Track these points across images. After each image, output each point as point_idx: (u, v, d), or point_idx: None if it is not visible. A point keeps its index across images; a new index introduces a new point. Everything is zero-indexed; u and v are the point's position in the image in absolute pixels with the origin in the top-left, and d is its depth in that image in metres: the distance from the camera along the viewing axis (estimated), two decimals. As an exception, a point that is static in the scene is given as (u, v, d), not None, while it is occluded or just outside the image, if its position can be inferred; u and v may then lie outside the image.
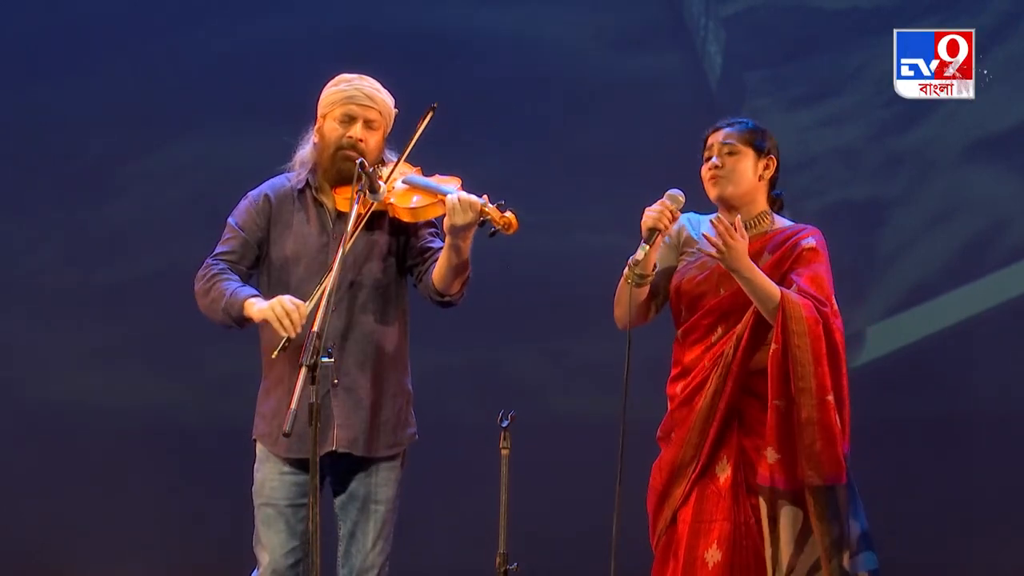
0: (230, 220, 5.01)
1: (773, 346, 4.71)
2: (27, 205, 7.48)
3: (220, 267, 4.93)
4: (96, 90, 7.46)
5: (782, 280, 4.79)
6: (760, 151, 4.90)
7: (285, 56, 7.31)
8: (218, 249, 4.98)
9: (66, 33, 7.51)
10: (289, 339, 4.72)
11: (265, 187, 5.04)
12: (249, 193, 5.04)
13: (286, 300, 4.75)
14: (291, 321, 4.71)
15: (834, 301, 4.82)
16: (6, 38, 7.51)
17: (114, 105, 7.47)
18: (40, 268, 7.46)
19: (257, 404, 4.99)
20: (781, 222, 4.94)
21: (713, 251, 4.70)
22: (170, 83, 7.50)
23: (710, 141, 4.93)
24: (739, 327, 4.77)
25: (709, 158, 4.90)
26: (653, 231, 4.79)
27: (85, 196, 7.46)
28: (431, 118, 4.87)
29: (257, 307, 4.79)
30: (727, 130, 4.92)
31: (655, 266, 4.91)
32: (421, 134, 4.88)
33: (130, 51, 7.49)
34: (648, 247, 4.79)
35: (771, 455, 4.71)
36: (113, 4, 7.53)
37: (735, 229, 4.69)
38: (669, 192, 4.86)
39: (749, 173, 4.88)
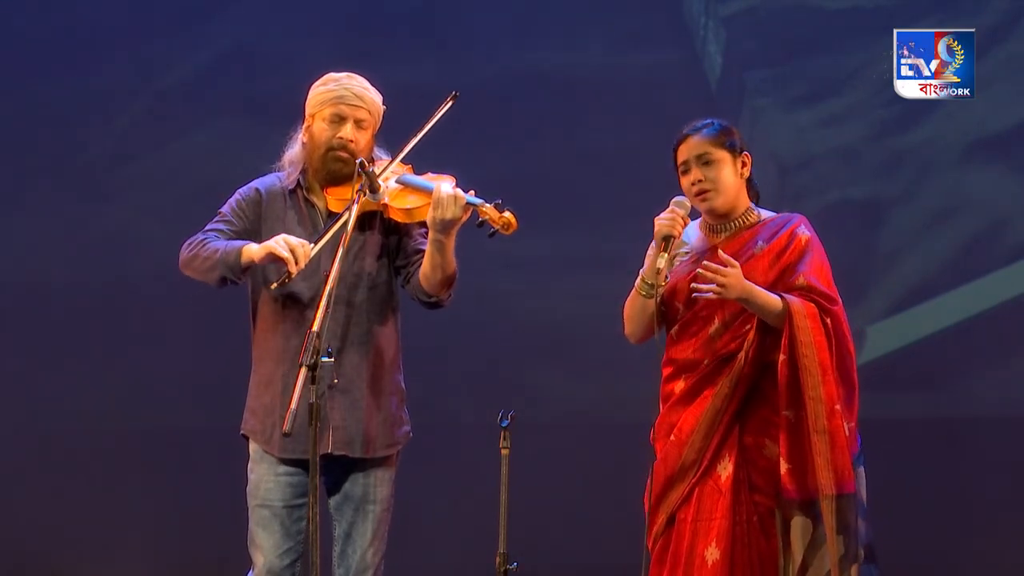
0: (221, 209, 4.99)
1: (781, 356, 4.69)
2: (27, 205, 7.48)
3: (211, 236, 4.89)
4: (96, 90, 7.46)
5: (784, 271, 4.79)
6: (734, 151, 4.87)
7: (285, 55, 7.31)
8: (208, 227, 4.94)
9: (66, 33, 7.51)
10: (290, 274, 4.68)
11: (255, 183, 5.03)
12: (239, 189, 5.03)
13: (290, 237, 4.73)
14: (296, 255, 4.69)
15: (835, 288, 4.83)
16: (6, 38, 7.52)
17: (114, 105, 7.48)
18: (40, 268, 7.45)
19: (248, 399, 4.98)
20: (765, 213, 4.94)
21: (712, 296, 4.69)
22: (170, 83, 7.50)
23: (683, 154, 4.86)
24: (751, 333, 4.75)
25: (686, 171, 4.87)
26: (668, 238, 4.78)
27: (85, 196, 7.46)
28: (450, 107, 4.88)
29: (256, 247, 4.78)
30: (697, 138, 4.85)
31: (666, 276, 4.89)
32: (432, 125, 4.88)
33: (130, 51, 7.49)
34: (667, 255, 4.77)
35: (782, 465, 4.69)
36: (113, 4, 7.54)
37: (721, 265, 4.67)
38: (676, 199, 4.84)
39: (731, 178, 4.86)
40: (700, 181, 4.84)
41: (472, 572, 6.18)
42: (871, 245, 7.28)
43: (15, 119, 7.48)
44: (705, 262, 4.71)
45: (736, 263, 4.69)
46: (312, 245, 4.73)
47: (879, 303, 7.25)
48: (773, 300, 4.70)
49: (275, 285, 4.76)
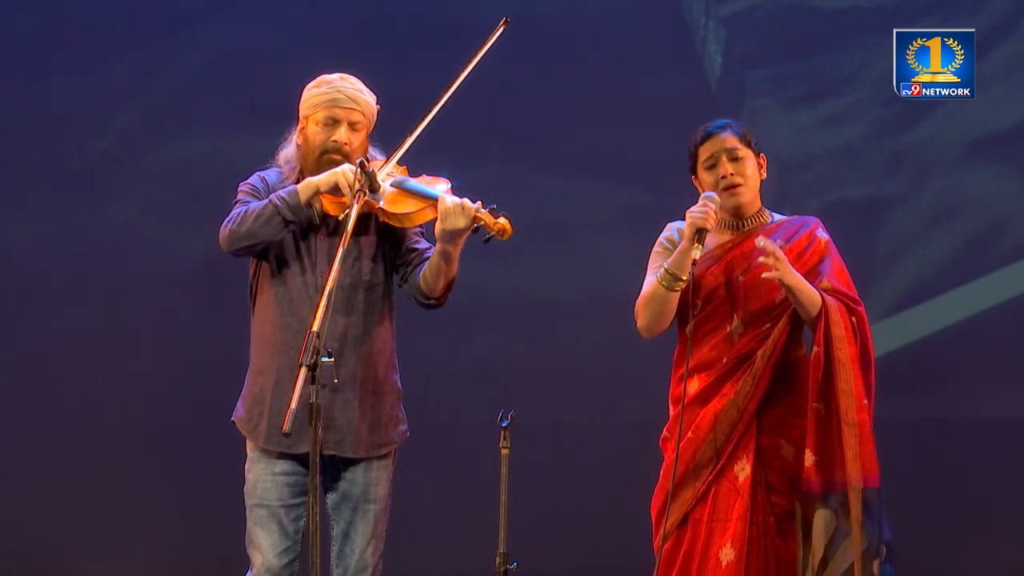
0: (239, 197, 4.96)
1: (815, 349, 4.73)
2: (27, 205, 7.48)
3: (251, 202, 4.87)
4: (96, 90, 7.46)
5: (805, 273, 4.80)
6: (756, 150, 4.93)
7: (285, 55, 7.30)
8: (236, 208, 4.91)
9: (66, 33, 7.51)
10: (347, 214, 4.68)
11: (260, 174, 5.02)
12: (245, 180, 5.01)
13: (355, 167, 4.77)
14: (352, 191, 4.72)
15: (855, 290, 4.86)
16: (7, 37, 7.52)
17: (114, 105, 7.48)
18: (40, 268, 7.45)
19: (243, 388, 4.99)
20: (776, 216, 4.97)
21: (770, 263, 4.70)
22: (170, 83, 7.50)
23: (708, 151, 4.88)
24: (775, 331, 4.76)
25: (713, 166, 4.87)
26: (702, 231, 4.77)
27: (85, 196, 7.46)
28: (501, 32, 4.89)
29: (317, 177, 4.80)
30: (726, 135, 4.88)
31: (690, 271, 4.86)
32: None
33: (130, 51, 7.49)
34: (700, 246, 4.76)
35: (808, 458, 4.70)
36: (113, 4, 7.54)
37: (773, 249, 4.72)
38: (706, 194, 4.84)
39: (755, 175, 4.90)
40: (732, 175, 4.84)
41: (472, 572, 6.18)
42: (871, 245, 7.28)
43: (15, 119, 7.48)
44: (768, 240, 4.73)
45: (785, 258, 4.72)
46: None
47: (879, 303, 7.24)
48: (814, 293, 4.76)
49: (342, 216, 4.77)
